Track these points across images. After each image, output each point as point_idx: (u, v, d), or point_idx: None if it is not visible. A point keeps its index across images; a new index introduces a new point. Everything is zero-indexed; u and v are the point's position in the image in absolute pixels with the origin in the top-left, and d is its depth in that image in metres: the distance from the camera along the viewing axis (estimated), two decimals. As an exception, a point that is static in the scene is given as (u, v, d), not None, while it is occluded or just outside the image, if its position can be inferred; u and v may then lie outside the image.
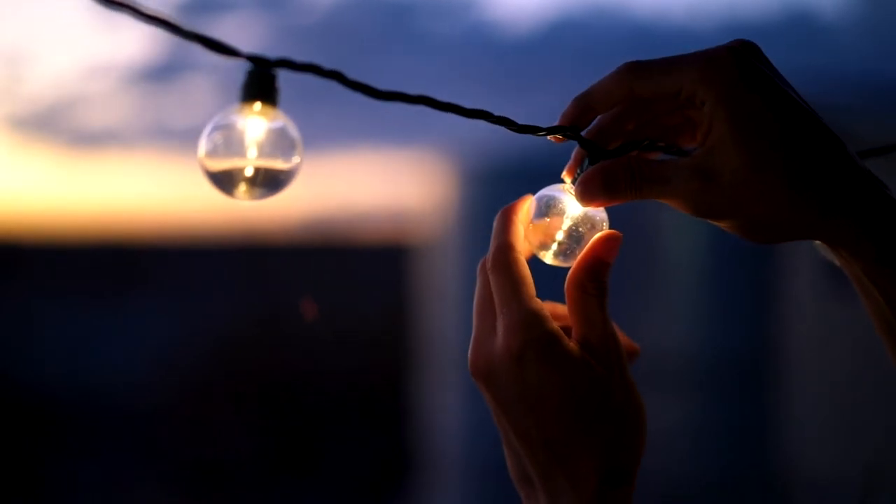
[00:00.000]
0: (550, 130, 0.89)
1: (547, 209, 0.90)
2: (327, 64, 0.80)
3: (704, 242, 6.46)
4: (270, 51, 0.79)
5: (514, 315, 0.85)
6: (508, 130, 0.89)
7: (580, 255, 0.89)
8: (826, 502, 5.72)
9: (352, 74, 0.80)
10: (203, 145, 0.79)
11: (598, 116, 0.90)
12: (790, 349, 6.31)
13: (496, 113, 0.88)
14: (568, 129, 0.89)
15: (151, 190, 12.91)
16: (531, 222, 0.90)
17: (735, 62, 0.82)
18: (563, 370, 0.84)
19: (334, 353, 10.11)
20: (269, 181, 0.80)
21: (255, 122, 0.79)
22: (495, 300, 0.88)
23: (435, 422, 7.16)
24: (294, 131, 0.81)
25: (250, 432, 9.24)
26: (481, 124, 0.88)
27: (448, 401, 6.87)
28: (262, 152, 0.80)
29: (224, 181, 0.80)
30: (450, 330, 6.76)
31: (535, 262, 0.91)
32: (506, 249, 0.88)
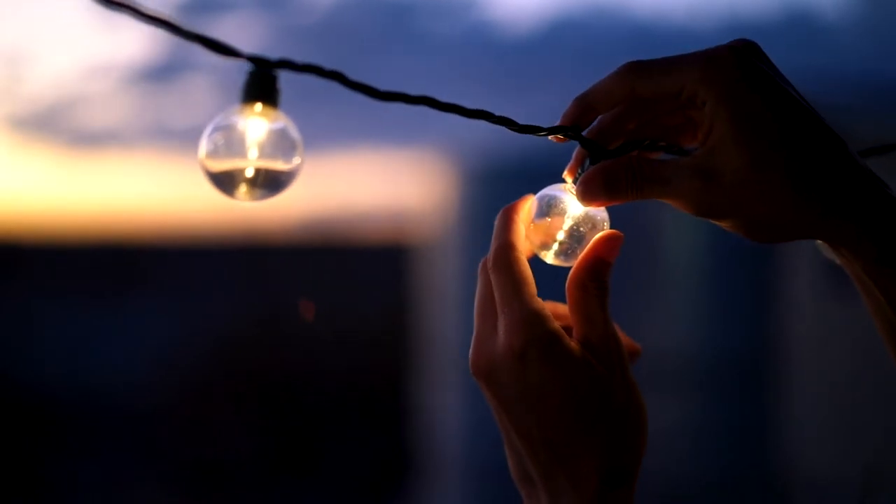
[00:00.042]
0: (551, 130, 0.89)
1: (548, 209, 0.90)
2: (327, 64, 0.80)
3: (704, 242, 6.46)
4: (270, 51, 0.79)
5: (516, 314, 0.85)
6: (508, 131, 0.89)
7: (581, 255, 0.89)
8: (826, 502, 5.72)
9: (352, 75, 0.80)
10: (204, 146, 0.79)
11: (599, 116, 0.90)
12: (790, 349, 6.31)
13: (497, 113, 0.88)
14: (569, 129, 0.89)
15: (151, 190, 12.91)
16: (532, 222, 0.90)
17: (736, 62, 0.82)
18: (565, 370, 0.84)
19: (334, 353, 10.11)
20: (270, 182, 0.80)
21: (256, 123, 0.79)
22: (496, 300, 0.88)
23: (435, 422, 7.16)
24: (295, 132, 0.81)
25: (250, 432, 9.24)
26: (481, 124, 0.88)
27: (448, 401, 6.87)
28: (263, 153, 0.80)
29: (225, 182, 0.80)
30: (450, 330, 6.76)
31: (536, 261, 0.91)
32: (507, 249, 0.88)
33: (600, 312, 0.87)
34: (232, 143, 0.79)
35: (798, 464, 6.11)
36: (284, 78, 0.80)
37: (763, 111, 0.81)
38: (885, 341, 0.93)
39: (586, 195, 0.88)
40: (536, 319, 0.85)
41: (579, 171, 0.90)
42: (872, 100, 5.88)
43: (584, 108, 0.88)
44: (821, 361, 6.07)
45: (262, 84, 0.79)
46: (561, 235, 0.90)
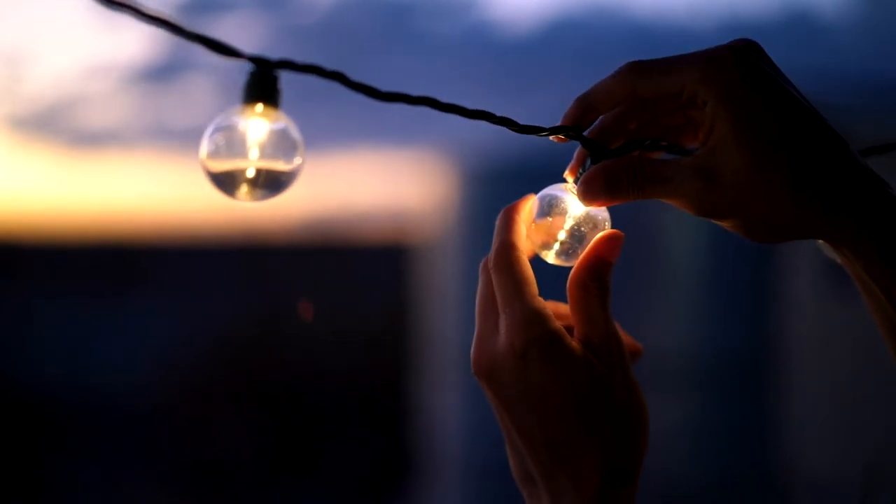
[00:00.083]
0: (553, 130, 0.89)
1: (549, 209, 0.90)
2: (328, 64, 0.79)
3: (705, 242, 6.46)
4: (270, 51, 0.79)
5: (517, 314, 0.85)
6: (509, 131, 0.89)
7: (582, 255, 0.89)
8: (826, 502, 5.72)
9: (352, 75, 0.80)
10: (205, 146, 0.79)
11: (600, 116, 0.90)
12: (790, 349, 6.31)
13: (497, 113, 0.88)
14: (570, 129, 0.89)
15: (151, 190, 12.91)
16: (533, 222, 0.90)
17: (737, 62, 0.82)
18: (566, 369, 0.84)
19: (334, 353, 10.11)
20: (271, 182, 0.80)
21: (257, 124, 0.79)
22: (498, 299, 0.88)
23: (435, 422, 7.16)
24: (296, 133, 0.81)
25: (250, 432, 9.24)
26: (482, 125, 0.88)
27: (448, 401, 6.87)
28: (264, 153, 0.80)
29: (226, 182, 0.80)
30: (450, 330, 6.76)
31: (537, 261, 0.91)
32: (508, 248, 0.88)
33: (601, 312, 0.87)
34: (233, 143, 0.79)
35: (798, 464, 6.11)
36: (285, 78, 0.80)
37: (764, 111, 0.81)
38: (885, 340, 0.94)
39: (587, 195, 0.88)
40: (538, 319, 0.85)
41: (580, 170, 0.90)
42: (872, 100, 5.88)
43: (586, 108, 0.89)
44: (821, 361, 6.07)
45: (263, 84, 0.79)
46: (562, 235, 0.90)
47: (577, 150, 0.91)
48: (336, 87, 0.80)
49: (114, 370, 9.86)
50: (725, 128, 0.81)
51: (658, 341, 6.11)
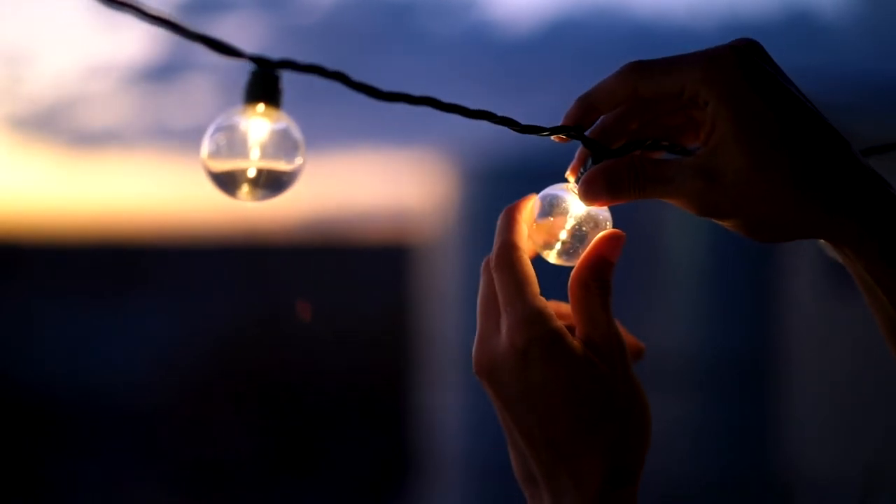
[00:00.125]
0: (554, 130, 0.89)
1: (550, 208, 0.90)
2: (328, 64, 0.79)
3: (705, 242, 6.46)
4: (270, 51, 0.79)
5: (518, 313, 0.85)
6: (509, 131, 0.89)
7: (583, 254, 0.89)
8: (826, 502, 5.72)
9: (353, 75, 0.80)
10: (206, 146, 0.79)
11: (602, 116, 0.90)
12: (790, 349, 6.31)
13: (498, 113, 0.88)
14: (571, 128, 0.89)
15: (151, 190, 12.91)
16: (535, 221, 0.91)
17: (738, 61, 0.82)
18: (567, 368, 0.84)
19: (334, 353, 10.12)
20: (272, 182, 0.80)
21: (258, 124, 0.79)
22: (499, 298, 0.88)
23: (435, 422, 7.16)
24: (297, 133, 0.81)
25: (250, 432, 9.24)
26: (482, 124, 0.88)
27: (448, 401, 6.87)
28: (265, 153, 0.79)
29: (227, 182, 0.80)
30: (450, 330, 6.76)
31: (538, 261, 0.91)
32: (509, 248, 0.88)
33: (603, 312, 0.87)
34: (234, 143, 0.79)
35: (798, 464, 6.11)
36: (285, 78, 0.80)
37: (765, 111, 0.81)
38: (887, 340, 0.94)
39: (589, 195, 0.88)
40: (539, 318, 0.85)
41: (582, 170, 0.90)
42: (872, 100, 5.88)
43: (587, 108, 0.89)
44: (821, 361, 6.07)
45: (264, 84, 0.79)
46: (563, 235, 0.90)
47: (579, 149, 0.91)
48: (336, 87, 0.80)
49: (114, 370, 9.86)
50: (726, 127, 0.81)
51: (658, 341, 6.11)
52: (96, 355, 10.07)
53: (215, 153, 0.79)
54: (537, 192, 0.92)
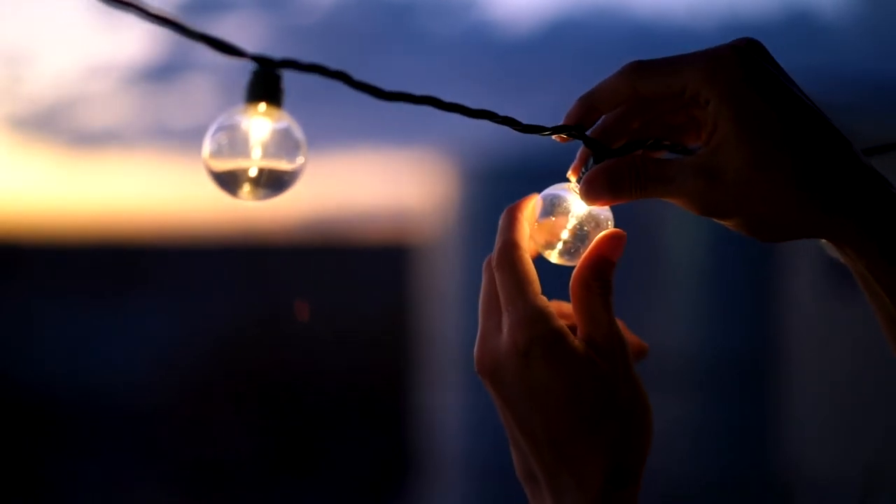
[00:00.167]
0: (555, 130, 0.89)
1: (552, 208, 0.90)
2: (329, 64, 0.79)
3: (705, 242, 6.46)
4: (271, 51, 0.79)
5: (520, 312, 0.85)
6: (509, 130, 0.89)
7: (585, 254, 0.89)
8: (826, 502, 5.72)
9: (354, 74, 0.80)
10: (207, 146, 0.79)
11: (603, 116, 0.90)
12: (790, 349, 6.31)
13: (499, 113, 0.88)
14: (573, 128, 0.89)
15: (151, 190, 12.91)
16: (536, 221, 0.91)
17: (740, 61, 0.82)
18: (569, 368, 0.84)
19: (334, 353, 10.11)
20: (274, 182, 0.80)
21: (260, 123, 0.79)
22: (501, 298, 0.88)
23: (435, 422, 7.16)
24: (298, 132, 0.81)
25: (250, 432, 9.24)
26: (482, 124, 0.88)
27: (448, 401, 6.87)
28: (267, 153, 0.80)
29: (228, 182, 0.80)
30: (450, 330, 6.76)
31: (540, 260, 0.91)
32: (511, 247, 0.88)
33: (604, 311, 0.87)
34: (235, 142, 0.79)
35: (799, 464, 6.11)
36: (285, 78, 0.80)
37: (766, 110, 0.81)
38: (888, 339, 0.94)
39: (590, 194, 0.88)
40: (540, 317, 0.85)
41: (583, 170, 0.90)
42: (872, 100, 5.88)
43: (588, 107, 0.89)
44: (821, 361, 6.07)
45: (266, 84, 0.79)
46: (565, 234, 0.90)
47: (580, 149, 0.91)
48: (336, 87, 0.80)
49: (114, 370, 9.86)
50: (728, 126, 0.81)
51: (658, 341, 6.11)
52: (96, 355, 10.07)
53: (217, 152, 0.79)
54: (538, 191, 0.93)
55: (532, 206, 0.91)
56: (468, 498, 6.80)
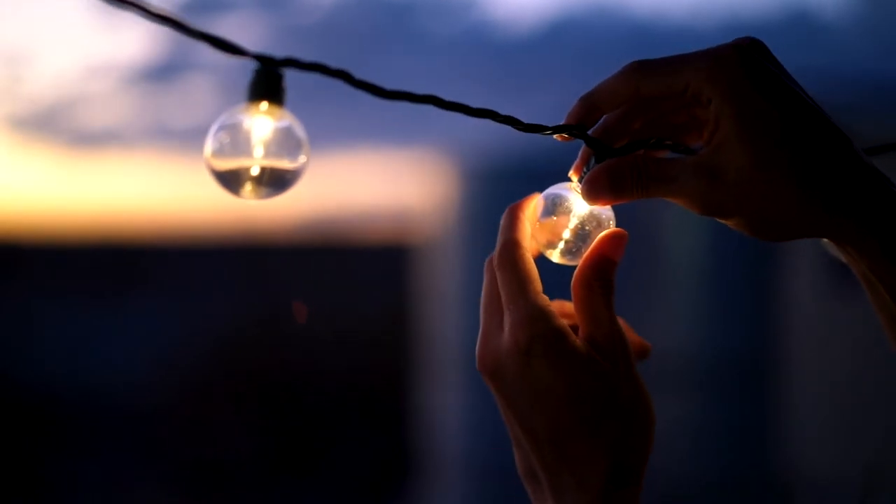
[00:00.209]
0: (557, 129, 0.89)
1: (554, 207, 0.90)
2: (329, 64, 0.79)
3: (705, 242, 6.46)
4: (271, 51, 0.79)
5: (521, 311, 0.85)
6: (510, 130, 0.89)
7: (586, 253, 0.89)
8: (826, 502, 5.72)
9: (354, 74, 0.80)
10: (209, 144, 0.79)
11: (604, 116, 0.90)
12: (790, 349, 6.31)
13: (501, 112, 0.88)
14: (574, 127, 0.89)
15: (151, 190, 12.91)
16: (538, 220, 0.91)
17: (741, 60, 0.82)
18: (570, 366, 0.84)
19: (334, 353, 10.12)
20: (276, 181, 0.80)
21: (262, 122, 0.79)
22: (502, 297, 0.88)
23: (435, 422, 7.16)
24: (300, 131, 0.80)
25: (250, 432, 9.24)
26: (483, 124, 0.88)
27: (448, 401, 6.87)
28: (269, 152, 0.79)
29: (230, 180, 0.80)
30: (450, 330, 6.76)
31: (541, 260, 0.91)
32: (512, 246, 0.88)
33: (605, 311, 0.87)
34: (237, 141, 0.79)
35: (798, 464, 6.11)
36: (286, 78, 0.80)
37: (768, 109, 0.81)
38: (889, 339, 0.94)
39: (592, 194, 0.88)
40: (541, 316, 0.85)
41: (585, 169, 0.90)
42: (872, 99, 5.88)
43: (590, 107, 0.88)
44: (821, 361, 6.07)
45: (267, 82, 0.79)
46: (567, 234, 0.90)
47: (582, 149, 0.91)
48: (336, 87, 0.80)
49: (114, 370, 9.86)
50: (729, 125, 0.81)
51: (658, 341, 6.10)
52: (96, 355, 10.07)
53: (219, 151, 0.79)
54: (538, 191, 0.92)
55: (534, 205, 0.91)
56: (468, 498, 6.80)
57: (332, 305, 10.45)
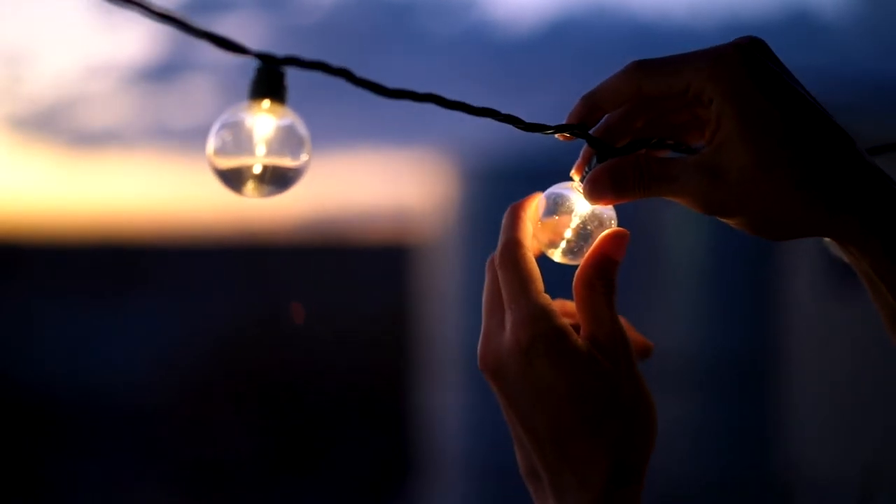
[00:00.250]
0: (558, 129, 0.89)
1: (555, 207, 0.90)
2: (330, 62, 0.79)
3: (705, 243, 6.47)
4: (270, 51, 0.79)
5: (523, 310, 0.85)
6: (510, 130, 0.89)
7: (588, 253, 0.89)
8: (826, 502, 5.72)
9: (355, 72, 0.80)
10: (211, 143, 0.79)
11: (606, 115, 0.90)
12: (790, 349, 6.32)
13: (502, 111, 0.88)
14: (576, 127, 0.89)
15: (151, 190, 12.91)
16: (540, 220, 0.90)
17: (743, 59, 0.82)
18: (571, 365, 0.84)
19: (334, 353, 10.12)
20: (278, 179, 0.80)
21: (264, 120, 0.79)
22: (504, 296, 0.88)
23: (435, 422, 7.16)
24: (302, 129, 0.80)
25: (250, 432, 9.24)
26: (482, 124, 0.88)
27: (448, 401, 6.87)
28: (271, 150, 0.79)
29: (232, 179, 0.80)
30: (450, 330, 6.76)
31: (543, 259, 0.91)
32: (514, 246, 0.88)
33: (607, 310, 0.87)
34: (240, 139, 0.79)
35: (798, 464, 6.11)
36: (288, 77, 0.80)
37: (770, 108, 0.81)
38: (891, 337, 0.94)
39: (594, 193, 0.88)
40: (543, 315, 0.85)
41: (586, 169, 0.90)
42: (872, 99, 5.88)
43: (591, 106, 0.88)
44: (821, 361, 6.07)
45: (269, 80, 0.78)
46: (568, 234, 0.90)
47: (584, 148, 0.91)
48: (336, 87, 0.80)
49: (114, 370, 9.86)
50: (731, 125, 0.81)
51: (658, 341, 6.10)
52: (96, 355, 10.08)
53: (221, 149, 0.79)
54: (537, 190, 0.92)
55: (535, 204, 0.91)
56: (468, 498, 6.80)
57: (332, 305, 10.45)
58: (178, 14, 0.74)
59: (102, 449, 8.88)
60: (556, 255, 0.91)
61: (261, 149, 0.79)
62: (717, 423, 6.44)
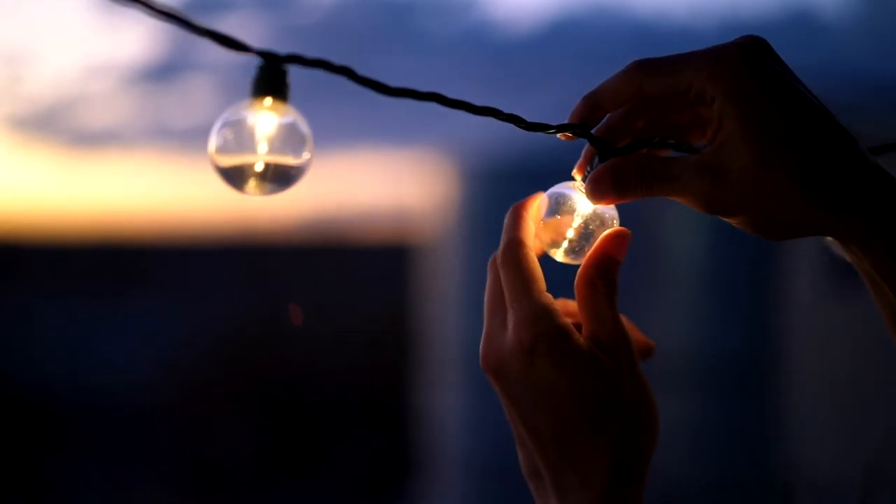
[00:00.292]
0: (560, 128, 0.89)
1: (557, 206, 0.90)
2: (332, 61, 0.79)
3: (705, 243, 6.47)
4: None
5: (525, 309, 0.85)
6: (510, 129, 0.89)
7: (589, 252, 0.89)
8: (826, 502, 5.72)
9: (357, 71, 0.80)
10: (213, 140, 0.79)
11: (607, 115, 0.90)
12: (790, 349, 6.32)
13: (503, 111, 0.87)
14: (577, 126, 0.89)
15: (151, 190, 12.91)
16: (542, 220, 0.90)
17: (744, 59, 0.82)
18: (573, 365, 0.84)
19: (334, 353, 10.12)
20: (280, 177, 0.80)
21: (266, 118, 0.79)
22: (506, 295, 0.88)
23: (435, 422, 7.16)
24: (304, 127, 0.80)
25: (250, 432, 9.24)
26: (483, 123, 0.87)
27: (448, 401, 6.87)
28: (273, 148, 0.79)
29: (234, 177, 0.80)
30: (450, 330, 6.76)
31: (545, 259, 0.91)
32: (516, 245, 0.88)
33: (609, 310, 0.87)
34: (241, 137, 0.79)
35: (799, 464, 6.11)
36: (289, 76, 0.80)
37: (771, 108, 0.81)
38: (892, 337, 0.93)
39: (595, 193, 0.88)
40: (545, 314, 0.85)
41: (588, 168, 0.90)
42: (872, 99, 5.89)
43: (593, 106, 0.88)
44: (822, 361, 6.07)
45: (271, 78, 0.78)
46: (570, 233, 0.90)
47: (585, 148, 0.91)
48: (336, 87, 0.80)
49: (114, 370, 9.86)
50: (733, 124, 0.81)
51: (659, 341, 6.10)
52: (96, 355, 10.08)
53: (223, 147, 0.79)
54: (538, 190, 0.92)
55: (537, 204, 0.91)
56: (468, 498, 6.80)
57: (332, 305, 10.45)
58: (180, 12, 0.74)
59: (102, 449, 8.88)
60: (558, 255, 0.91)
61: (263, 146, 0.79)
62: (718, 423, 6.45)
